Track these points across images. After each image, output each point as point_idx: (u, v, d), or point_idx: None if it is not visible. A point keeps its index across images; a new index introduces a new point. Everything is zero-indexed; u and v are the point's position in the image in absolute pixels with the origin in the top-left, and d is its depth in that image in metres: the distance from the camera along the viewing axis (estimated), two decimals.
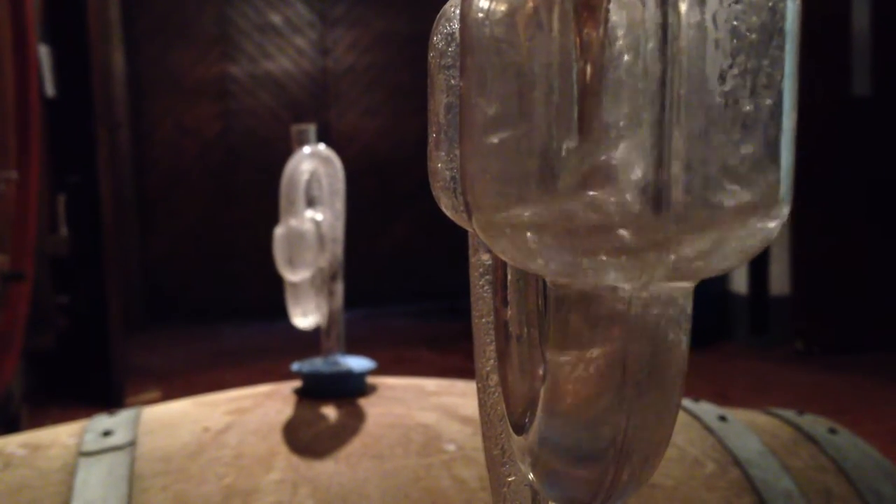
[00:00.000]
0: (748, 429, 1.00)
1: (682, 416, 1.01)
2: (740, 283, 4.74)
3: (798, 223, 4.41)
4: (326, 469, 0.89)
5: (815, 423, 1.05)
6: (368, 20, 6.12)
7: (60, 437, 0.95)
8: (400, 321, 5.69)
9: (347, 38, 6.11)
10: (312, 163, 1.09)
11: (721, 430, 0.98)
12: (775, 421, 1.06)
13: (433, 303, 5.80)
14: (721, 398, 3.44)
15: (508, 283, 0.39)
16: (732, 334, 4.78)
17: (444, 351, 4.70)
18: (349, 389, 1.07)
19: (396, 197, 6.05)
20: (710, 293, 4.66)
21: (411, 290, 6.11)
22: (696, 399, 1.07)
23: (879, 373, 4.06)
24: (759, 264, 4.63)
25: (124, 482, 0.85)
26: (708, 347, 4.51)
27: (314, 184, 1.10)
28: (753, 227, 0.28)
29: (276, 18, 5.99)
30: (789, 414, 1.08)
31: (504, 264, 0.39)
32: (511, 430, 0.36)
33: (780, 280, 4.59)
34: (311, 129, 1.11)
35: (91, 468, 0.87)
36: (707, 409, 1.03)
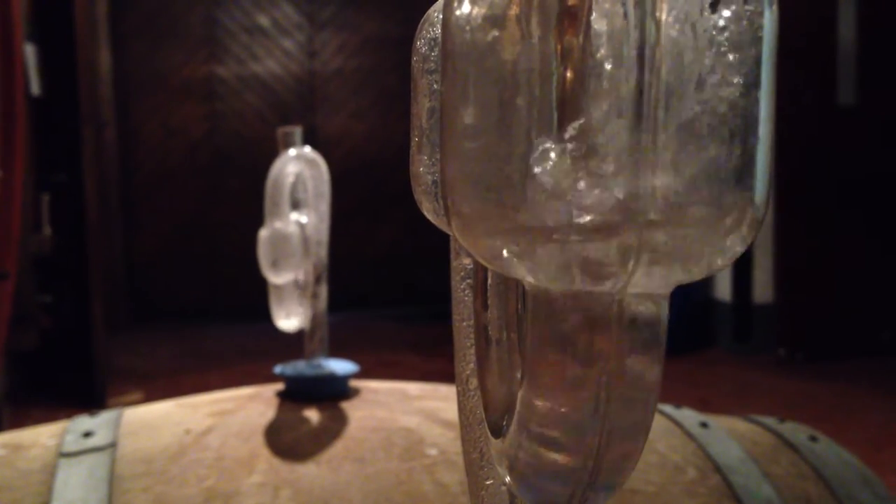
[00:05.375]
0: (729, 436, 1.00)
1: (663, 422, 1.02)
2: (724, 290, 4.76)
3: (782, 231, 4.44)
4: (308, 472, 0.89)
5: (796, 431, 1.06)
6: (356, 23, 6.12)
7: (41, 437, 0.95)
8: (384, 324, 5.69)
9: (335, 40, 6.10)
10: (298, 165, 1.09)
11: (702, 436, 0.98)
12: (756, 428, 1.06)
13: (417, 306, 5.80)
14: (703, 404, 3.45)
15: (488, 287, 0.39)
16: (715, 341, 4.79)
17: (428, 355, 4.70)
18: (332, 392, 1.07)
19: (382, 200, 6.05)
20: (694, 300, 4.67)
21: (395, 294, 6.11)
22: (678, 405, 1.08)
23: (861, 381, 4.08)
24: (742, 272, 4.65)
25: (105, 483, 0.85)
26: (691, 354, 4.53)
27: (299, 186, 1.10)
28: (729, 233, 0.29)
29: (263, 20, 5.98)
30: (770, 421, 1.09)
31: (484, 268, 0.39)
32: (489, 434, 0.37)
33: (763, 287, 4.61)
34: (297, 131, 1.11)
35: (71, 469, 0.87)
36: (689, 416, 1.04)
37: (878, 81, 4.49)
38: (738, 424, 1.07)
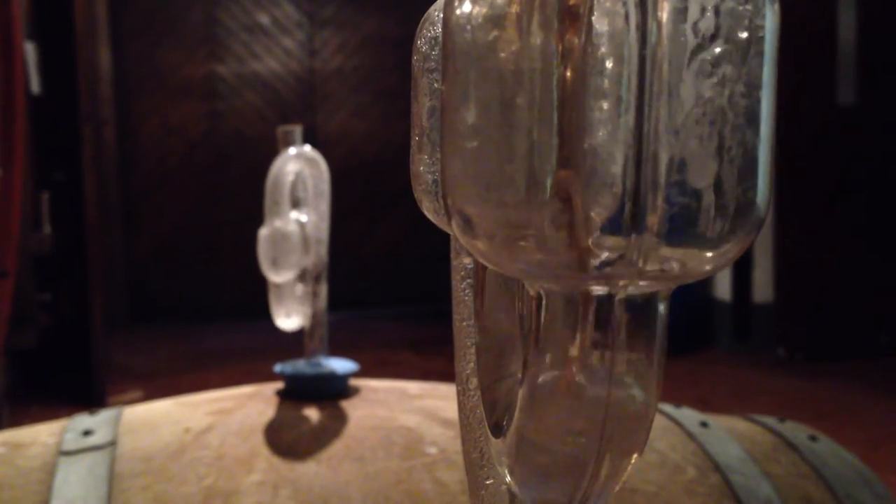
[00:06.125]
0: (729, 435, 1.00)
1: (663, 421, 1.02)
2: (724, 289, 4.76)
3: (781, 231, 4.44)
4: (307, 471, 0.89)
5: (796, 430, 1.06)
6: (357, 22, 6.11)
7: (40, 435, 0.95)
8: (384, 323, 5.69)
9: (336, 39, 6.10)
10: (298, 164, 1.09)
11: (702, 436, 0.98)
12: (756, 427, 1.06)
13: (417, 305, 5.80)
14: (703, 404, 3.45)
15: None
16: (715, 340, 4.79)
17: (428, 354, 4.70)
18: (332, 391, 1.07)
19: (382, 199, 6.05)
20: (694, 299, 4.67)
21: (395, 293, 6.11)
22: (678, 405, 1.08)
23: (861, 380, 4.08)
24: (742, 271, 4.65)
25: (104, 482, 0.85)
26: (691, 353, 4.53)
27: (299, 185, 1.10)
28: (730, 234, 0.29)
29: (264, 19, 5.98)
30: (770, 421, 1.09)
31: (485, 268, 0.39)
32: (489, 433, 0.37)
33: (763, 287, 4.61)
34: (298, 130, 1.11)
35: (71, 467, 0.87)
36: (689, 415, 1.04)
37: (877, 81, 4.49)
38: (737, 424, 1.07)
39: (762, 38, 0.28)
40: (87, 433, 0.93)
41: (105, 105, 5.49)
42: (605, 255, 0.28)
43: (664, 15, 0.27)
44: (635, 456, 0.32)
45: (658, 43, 0.27)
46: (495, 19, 0.28)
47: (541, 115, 0.28)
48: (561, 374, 0.31)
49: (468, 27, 0.29)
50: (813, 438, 1.04)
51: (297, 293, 1.12)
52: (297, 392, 1.06)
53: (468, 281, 0.41)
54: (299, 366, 1.10)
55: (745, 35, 0.28)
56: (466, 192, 0.30)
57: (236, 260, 5.48)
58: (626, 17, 0.27)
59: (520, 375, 0.32)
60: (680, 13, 0.27)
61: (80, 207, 3.80)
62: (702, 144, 0.28)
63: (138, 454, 0.90)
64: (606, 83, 0.27)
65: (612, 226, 0.28)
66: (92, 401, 3.51)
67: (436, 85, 0.39)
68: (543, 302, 0.30)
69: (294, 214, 1.09)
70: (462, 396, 0.42)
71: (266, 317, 1.12)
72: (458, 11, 0.29)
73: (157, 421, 0.98)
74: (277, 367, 1.10)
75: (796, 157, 4.29)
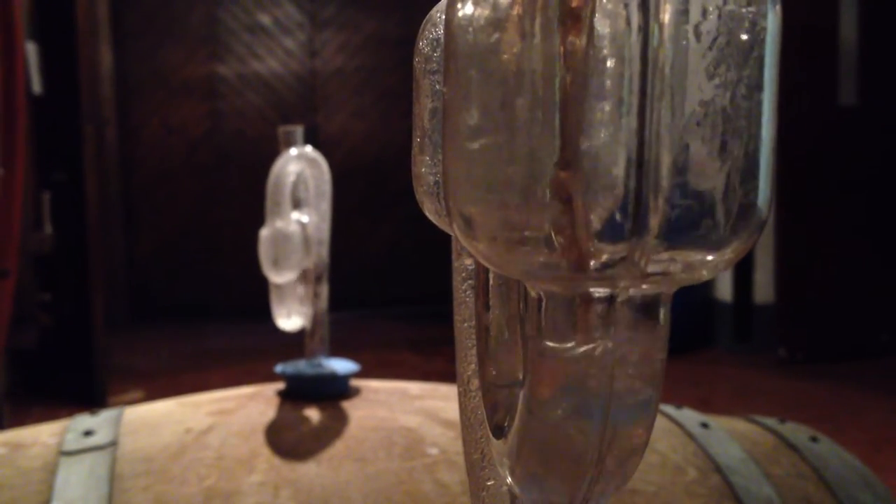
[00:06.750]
0: (730, 436, 1.00)
1: (664, 422, 1.02)
2: (725, 290, 4.76)
3: (783, 231, 4.44)
4: (308, 471, 0.89)
5: (797, 431, 1.06)
6: (358, 22, 6.12)
7: (41, 436, 0.95)
8: (384, 324, 5.69)
9: (337, 40, 6.10)
10: (299, 164, 1.09)
11: (703, 436, 0.98)
12: (757, 428, 1.06)
13: (417, 306, 5.80)
14: (704, 405, 3.45)
15: (490, 288, 0.39)
16: (716, 341, 4.79)
17: (428, 354, 4.70)
18: (333, 392, 1.07)
19: (383, 200, 6.05)
20: (695, 300, 4.67)
21: (396, 293, 6.11)
22: (679, 406, 1.08)
23: (861, 381, 4.08)
24: (743, 272, 4.65)
25: (105, 482, 0.85)
26: (692, 354, 4.53)
27: (300, 185, 1.10)
28: (732, 236, 0.29)
29: (265, 19, 5.98)
30: (771, 421, 1.09)
31: (486, 269, 0.39)
32: (491, 434, 0.37)
33: (764, 288, 4.61)
34: (299, 130, 1.11)
35: (72, 468, 0.87)
36: (689, 416, 1.04)
37: (879, 82, 4.49)
38: (738, 425, 1.07)
39: (763, 40, 0.28)
40: (87, 433, 0.93)
41: (106, 105, 5.50)
42: (606, 257, 0.28)
43: (666, 17, 0.27)
44: (637, 458, 0.32)
45: (660, 45, 0.27)
46: (497, 21, 0.28)
47: (542, 116, 0.28)
48: (562, 376, 0.31)
49: (470, 29, 0.29)
50: (814, 439, 1.04)
51: (297, 293, 1.12)
52: (298, 392, 1.06)
53: (469, 282, 0.41)
54: (300, 366, 1.10)
55: (746, 37, 0.28)
56: (468, 193, 0.30)
57: (237, 260, 5.48)
58: (628, 19, 0.27)
59: (521, 377, 0.32)
60: (682, 15, 0.27)
61: (80, 207, 3.80)
62: (703, 146, 0.28)
63: (139, 454, 0.90)
64: (608, 85, 0.27)
65: (614, 228, 0.28)
66: (93, 401, 3.51)
67: (437, 86, 0.39)
68: (544, 303, 0.30)
69: (295, 215, 1.09)
70: (463, 397, 0.42)
71: (267, 317, 1.12)
72: (460, 13, 0.29)
73: (158, 421, 0.98)
74: (278, 368, 1.10)
75: (797, 158, 4.29)
